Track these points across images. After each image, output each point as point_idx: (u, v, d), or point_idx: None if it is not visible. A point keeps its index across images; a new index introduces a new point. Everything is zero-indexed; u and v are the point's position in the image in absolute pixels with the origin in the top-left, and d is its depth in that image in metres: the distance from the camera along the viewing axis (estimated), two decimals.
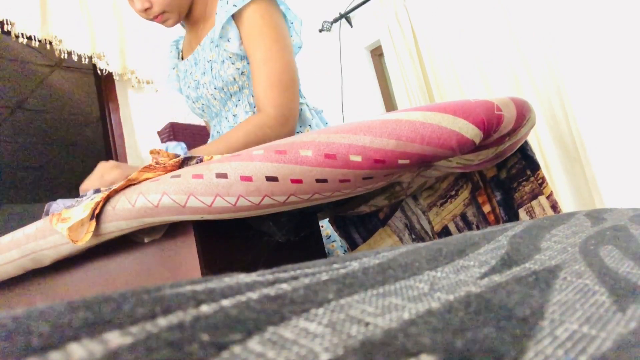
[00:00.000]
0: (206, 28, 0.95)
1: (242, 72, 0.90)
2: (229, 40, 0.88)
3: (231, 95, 0.93)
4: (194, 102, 0.99)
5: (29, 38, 1.87)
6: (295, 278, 0.17)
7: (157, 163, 0.50)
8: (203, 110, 1.00)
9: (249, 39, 0.86)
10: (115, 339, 0.11)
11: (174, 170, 0.49)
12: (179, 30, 1.11)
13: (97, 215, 0.47)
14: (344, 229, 0.78)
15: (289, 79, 0.86)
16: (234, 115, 0.94)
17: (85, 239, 0.47)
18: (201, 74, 0.94)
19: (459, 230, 0.69)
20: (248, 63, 0.89)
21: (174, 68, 1.04)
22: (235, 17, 0.87)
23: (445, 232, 0.70)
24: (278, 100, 0.83)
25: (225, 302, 0.14)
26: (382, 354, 0.12)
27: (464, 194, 0.68)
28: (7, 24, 1.81)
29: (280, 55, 0.85)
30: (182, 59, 1.04)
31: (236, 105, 0.94)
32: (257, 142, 0.78)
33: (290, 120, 0.85)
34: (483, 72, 2.36)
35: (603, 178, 2.02)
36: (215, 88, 0.92)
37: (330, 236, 0.89)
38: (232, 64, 0.89)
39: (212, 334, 0.12)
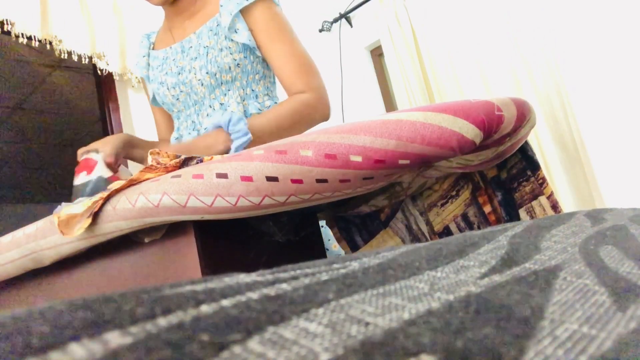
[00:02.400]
0: (200, 18, 0.98)
1: (238, 64, 0.93)
2: (236, 32, 0.91)
3: (222, 83, 0.94)
4: (169, 88, 0.98)
5: (29, 38, 1.87)
6: (295, 278, 0.17)
7: (157, 163, 0.50)
8: (177, 98, 0.99)
9: (266, 34, 0.92)
10: (115, 339, 0.11)
11: (174, 170, 0.49)
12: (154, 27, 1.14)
13: (95, 214, 0.47)
14: (345, 231, 0.78)
15: (315, 66, 0.94)
16: (221, 104, 0.95)
17: (76, 233, 0.47)
18: (190, 59, 0.95)
19: (460, 231, 0.69)
20: (245, 57, 0.93)
21: (144, 56, 1.06)
22: (242, 10, 0.91)
23: (446, 232, 0.70)
24: (314, 84, 0.91)
25: (225, 302, 0.14)
26: (382, 354, 0.12)
27: (465, 194, 0.68)
28: (7, 24, 1.81)
29: (302, 48, 0.94)
30: (154, 49, 1.06)
31: (225, 95, 0.95)
32: (302, 120, 0.85)
33: (327, 102, 0.92)
34: (483, 72, 2.36)
35: (603, 178, 2.02)
36: (207, 73, 0.93)
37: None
38: (230, 54, 0.92)
39: (212, 334, 0.12)
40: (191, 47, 0.96)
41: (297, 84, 0.90)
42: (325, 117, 0.92)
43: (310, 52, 0.96)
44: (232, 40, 0.91)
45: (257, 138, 0.77)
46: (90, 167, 0.84)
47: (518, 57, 2.24)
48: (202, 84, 0.94)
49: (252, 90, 0.96)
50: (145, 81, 1.08)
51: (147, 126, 2.30)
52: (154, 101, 1.07)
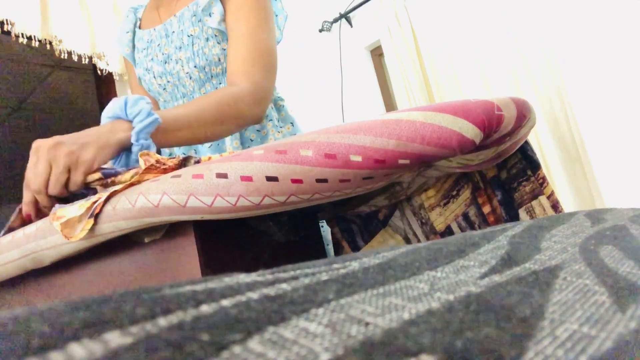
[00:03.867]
0: (183, 0, 0.90)
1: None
2: (210, 15, 0.83)
3: (212, 76, 0.86)
4: (155, 76, 0.89)
5: (29, 38, 1.88)
6: (295, 278, 0.17)
7: (157, 162, 0.50)
8: (164, 88, 0.89)
9: (235, 13, 0.81)
10: (115, 339, 0.11)
11: (173, 170, 0.49)
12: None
13: (96, 215, 0.47)
14: (347, 232, 0.78)
15: (272, 62, 0.81)
16: None
17: (79, 236, 0.47)
18: (175, 49, 0.86)
19: (462, 230, 0.69)
20: None
21: (127, 32, 0.95)
22: None
23: (448, 231, 0.70)
24: (257, 78, 0.77)
25: (225, 302, 0.14)
26: (382, 354, 0.12)
27: (466, 194, 0.68)
28: (7, 24, 1.81)
29: (266, 37, 0.81)
30: (140, 27, 0.96)
31: (216, 88, 0.87)
32: (230, 115, 0.72)
33: (264, 101, 0.79)
34: (483, 72, 2.36)
35: (603, 178, 2.02)
36: (195, 66, 0.85)
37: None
38: (218, 43, 0.84)
39: (212, 334, 0.12)
40: (173, 31, 0.87)
41: (238, 72, 0.77)
42: (257, 119, 0.78)
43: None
44: (212, 27, 0.83)
45: (173, 130, 0.63)
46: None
47: (518, 57, 2.24)
48: (190, 78, 0.86)
49: None
50: (127, 61, 0.97)
51: None
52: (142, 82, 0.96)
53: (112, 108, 0.59)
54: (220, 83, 0.88)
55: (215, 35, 0.84)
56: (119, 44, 0.97)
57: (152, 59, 0.90)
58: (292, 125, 0.97)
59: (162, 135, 0.61)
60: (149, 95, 0.97)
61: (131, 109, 0.58)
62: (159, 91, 0.91)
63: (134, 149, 0.58)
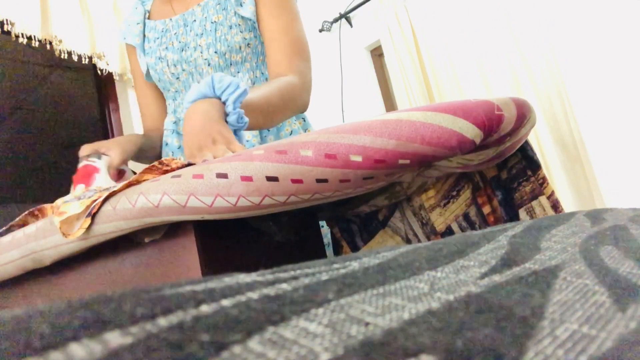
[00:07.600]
0: None
1: (248, 44, 0.88)
2: (241, 5, 0.86)
3: (231, 64, 0.88)
4: (169, 65, 0.89)
5: (29, 38, 1.88)
6: (295, 278, 0.17)
7: (160, 163, 0.50)
8: (177, 77, 0.90)
9: (268, 8, 0.85)
10: (115, 339, 0.11)
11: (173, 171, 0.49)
12: None
13: (93, 214, 0.47)
14: (346, 232, 0.78)
15: (308, 53, 0.87)
16: None
17: (77, 234, 0.47)
18: (195, 36, 0.88)
19: (462, 230, 0.69)
20: (255, 37, 0.88)
21: (138, 23, 0.96)
22: None
23: (449, 231, 0.70)
24: (302, 68, 0.83)
25: (225, 302, 0.14)
26: (382, 354, 0.12)
27: (466, 194, 0.68)
28: (7, 24, 1.81)
29: (301, 30, 0.87)
30: (149, 19, 0.97)
31: (233, 77, 0.90)
32: (290, 102, 0.77)
33: (310, 90, 0.85)
34: (483, 72, 2.36)
35: (603, 178, 2.02)
36: (215, 52, 0.86)
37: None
38: (241, 32, 0.86)
39: (212, 334, 0.12)
40: (195, 20, 0.89)
41: (281, 64, 0.83)
42: (304, 107, 0.84)
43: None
44: (240, 16, 0.86)
45: (252, 110, 0.66)
46: (89, 177, 0.72)
47: (518, 57, 2.24)
48: (208, 64, 0.87)
49: (262, 73, 0.90)
50: (137, 51, 0.96)
51: None
52: (147, 77, 0.96)
53: (197, 91, 0.61)
54: (238, 72, 0.89)
55: (239, 25, 0.86)
56: (129, 35, 0.96)
57: (166, 47, 0.90)
58: (304, 120, 0.97)
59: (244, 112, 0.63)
60: (156, 88, 0.98)
61: (219, 84, 0.61)
62: (171, 80, 0.91)
63: (230, 118, 0.61)
